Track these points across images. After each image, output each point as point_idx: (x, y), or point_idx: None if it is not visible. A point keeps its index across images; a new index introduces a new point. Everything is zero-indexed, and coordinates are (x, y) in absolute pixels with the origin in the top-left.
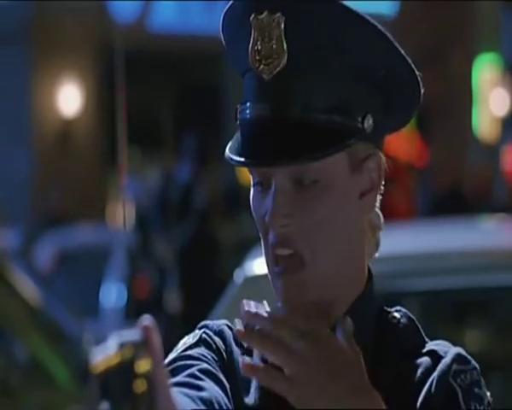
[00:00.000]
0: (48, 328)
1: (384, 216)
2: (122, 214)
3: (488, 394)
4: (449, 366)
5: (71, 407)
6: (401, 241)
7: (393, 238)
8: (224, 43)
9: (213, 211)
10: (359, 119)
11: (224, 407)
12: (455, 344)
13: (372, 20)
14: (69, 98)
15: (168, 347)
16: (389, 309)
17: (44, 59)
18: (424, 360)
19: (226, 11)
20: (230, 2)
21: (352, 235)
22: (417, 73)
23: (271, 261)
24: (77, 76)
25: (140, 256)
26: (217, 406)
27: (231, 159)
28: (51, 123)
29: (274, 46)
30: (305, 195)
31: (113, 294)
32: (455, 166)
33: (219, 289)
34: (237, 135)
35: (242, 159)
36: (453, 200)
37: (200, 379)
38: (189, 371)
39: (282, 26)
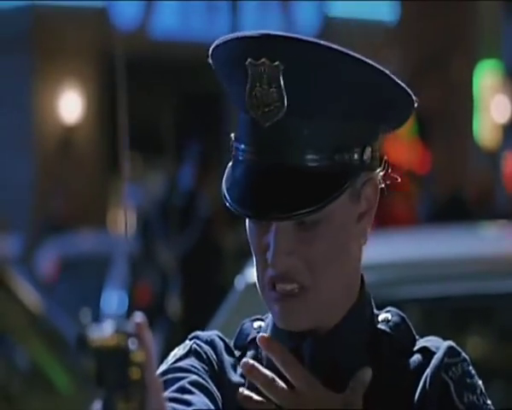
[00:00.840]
0: (48, 335)
1: (385, 223)
2: (123, 221)
3: (480, 382)
4: (441, 361)
5: None
6: (402, 248)
7: (395, 245)
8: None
9: (216, 218)
10: (358, 152)
11: None
12: None
13: (367, 60)
14: (70, 105)
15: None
16: (379, 312)
17: (46, 66)
18: (416, 358)
19: (221, 47)
20: (225, 40)
21: (350, 256)
22: (412, 94)
23: (268, 286)
24: (78, 83)
25: (142, 263)
26: None
27: (233, 207)
28: (53, 130)
29: (273, 94)
30: (306, 233)
31: (114, 301)
32: (456, 173)
33: (221, 296)
34: (232, 171)
35: (245, 211)
36: (454, 206)
37: (190, 392)
38: (178, 385)
39: (281, 74)
